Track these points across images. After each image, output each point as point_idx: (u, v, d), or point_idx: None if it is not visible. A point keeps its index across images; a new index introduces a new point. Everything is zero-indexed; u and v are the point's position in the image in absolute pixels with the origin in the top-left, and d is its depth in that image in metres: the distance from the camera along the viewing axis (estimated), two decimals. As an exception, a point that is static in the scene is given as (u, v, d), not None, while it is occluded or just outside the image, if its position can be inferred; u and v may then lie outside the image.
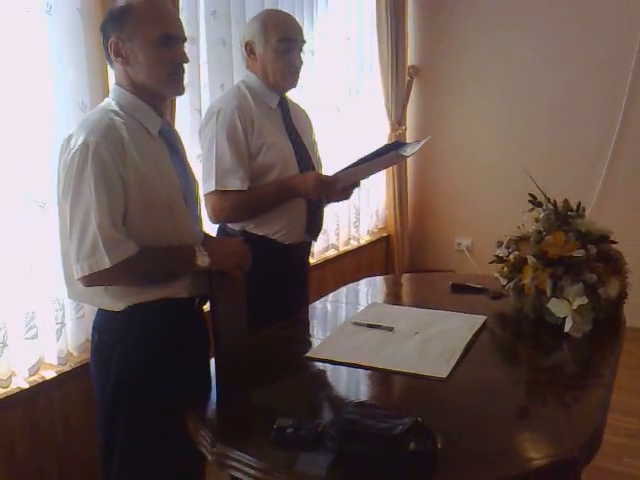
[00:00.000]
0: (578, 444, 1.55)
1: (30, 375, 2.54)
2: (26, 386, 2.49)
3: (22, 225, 2.49)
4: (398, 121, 5.37)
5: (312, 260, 4.35)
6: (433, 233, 5.78)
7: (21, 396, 2.47)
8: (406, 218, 5.63)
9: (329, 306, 2.74)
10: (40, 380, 2.55)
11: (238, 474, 1.53)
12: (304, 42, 2.62)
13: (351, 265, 4.90)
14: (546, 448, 1.58)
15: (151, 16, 1.86)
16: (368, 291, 3.03)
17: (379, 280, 3.26)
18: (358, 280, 3.08)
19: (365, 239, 5.31)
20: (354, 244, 5.11)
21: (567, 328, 2.20)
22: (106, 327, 1.94)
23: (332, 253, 4.76)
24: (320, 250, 4.59)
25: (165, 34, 1.86)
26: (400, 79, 5.32)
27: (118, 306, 1.88)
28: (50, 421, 2.58)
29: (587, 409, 1.81)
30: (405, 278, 3.67)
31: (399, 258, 5.58)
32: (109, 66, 1.99)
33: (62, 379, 2.61)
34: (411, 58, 5.58)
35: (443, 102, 5.61)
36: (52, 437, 2.59)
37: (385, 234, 5.57)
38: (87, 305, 2.65)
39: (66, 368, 2.64)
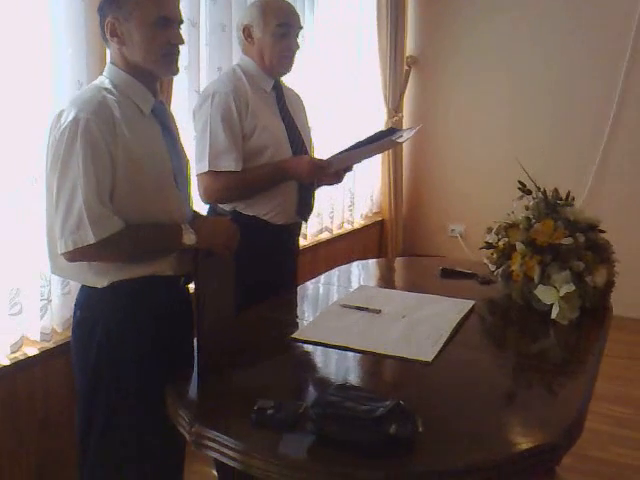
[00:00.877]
0: (560, 430, 1.56)
1: (12, 352, 2.50)
2: (7, 363, 2.46)
3: (9, 201, 2.46)
4: (395, 108, 5.35)
5: (305, 242, 4.36)
6: (427, 219, 5.78)
7: (1, 373, 2.42)
8: (400, 203, 5.62)
9: (320, 288, 2.75)
10: (22, 357, 2.51)
11: (216, 455, 1.53)
12: (301, 28, 2.64)
13: (344, 248, 4.88)
14: (528, 433, 1.59)
15: None
16: (360, 274, 3.03)
17: (371, 263, 3.27)
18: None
19: (359, 223, 5.29)
20: (348, 227, 5.09)
21: (554, 315, 2.21)
22: (89, 303, 1.93)
23: (325, 236, 4.74)
24: (313, 233, 4.58)
25: (162, 16, 1.86)
26: (398, 68, 5.31)
27: (101, 282, 1.87)
28: (30, 398, 2.54)
29: (570, 395, 1.81)
30: (397, 262, 3.67)
31: (392, 243, 5.58)
32: (105, 45, 1.98)
33: (44, 356, 2.57)
34: (410, 48, 5.58)
35: (440, 91, 5.59)
36: (32, 415, 2.55)
37: (379, 218, 5.56)
38: (73, 281, 2.63)
39: (49, 345, 2.61)
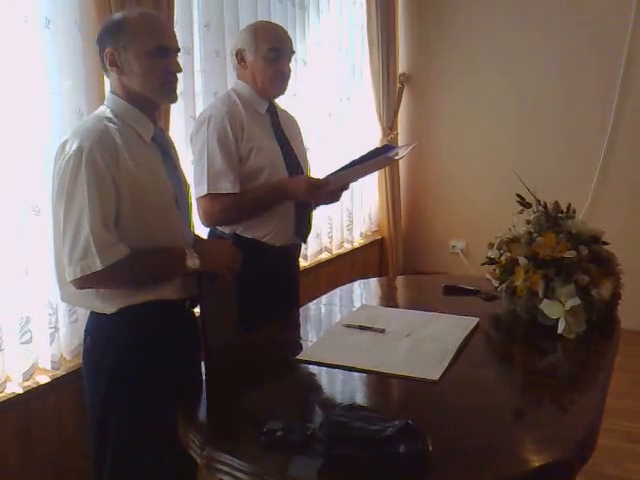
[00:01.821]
0: (572, 446, 1.54)
1: (24, 380, 2.53)
2: (20, 391, 2.49)
3: (17, 231, 2.50)
4: (390, 126, 5.38)
5: (306, 263, 4.36)
6: (427, 236, 5.78)
7: (15, 401, 2.46)
8: (399, 221, 5.64)
9: (322, 308, 2.73)
10: (34, 385, 2.54)
11: (227, 478, 1.51)
12: (293, 52, 2.68)
13: (345, 268, 4.89)
14: (540, 450, 1.56)
15: (145, 28, 1.91)
16: (362, 293, 3.01)
17: (373, 282, 3.25)
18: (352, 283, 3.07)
19: (358, 242, 5.31)
20: (347, 247, 5.11)
21: (560, 329, 2.19)
22: (97, 330, 1.95)
23: (325, 256, 4.75)
24: (313, 253, 4.58)
25: (159, 45, 1.91)
26: (391, 86, 5.35)
27: (109, 309, 1.90)
28: (43, 426, 2.57)
29: (581, 411, 1.79)
30: (399, 280, 3.66)
31: (393, 261, 5.58)
32: (105, 75, 2.02)
33: (55, 384, 2.60)
34: (402, 66, 5.62)
35: (434, 107, 5.62)
36: (46, 442, 2.58)
37: (379, 237, 5.57)
38: (80, 309, 2.66)
39: (60, 373, 2.64)
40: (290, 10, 4.18)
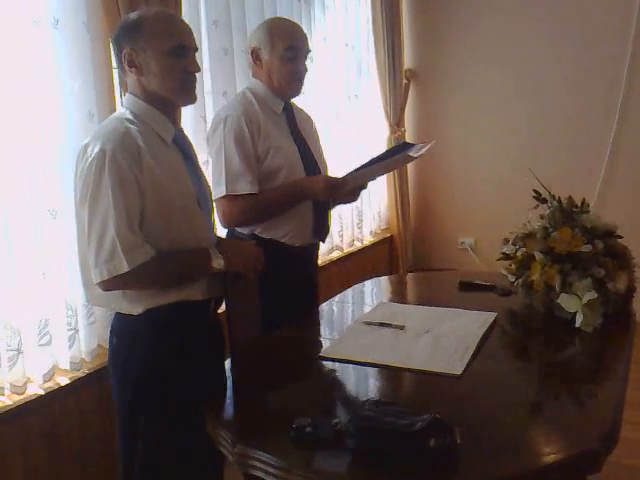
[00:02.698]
0: (597, 436, 1.56)
1: (45, 381, 2.55)
2: (42, 392, 2.51)
3: (35, 234, 2.51)
4: (397, 123, 5.39)
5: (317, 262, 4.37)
6: (436, 233, 5.79)
7: (37, 402, 2.48)
8: (408, 218, 5.65)
9: (335, 307, 2.76)
10: (55, 386, 2.56)
11: (259, 473, 1.54)
12: (309, 51, 2.66)
13: (356, 266, 4.91)
14: (566, 441, 1.58)
15: (164, 27, 1.90)
16: (373, 291, 3.03)
17: (384, 280, 3.28)
18: (363, 281, 3.09)
19: (369, 240, 5.32)
20: (358, 245, 5.12)
21: (578, 323, 2.22)
22: (124, 330, 1.96)
23: (336, 255, 4.77)
24: (324, 252, 4.59)
25: (178, 44, 1.90)
26: (397, 82, 5.36)
27: (136, 309, 1.91)
28: (66, 427, 2.59)
29: (603, 402, 1.80)
30: (410, 277, 3.67)
31: (403, 258, 5.60)
32: (122, 76, 2.02)
33: (76, 385, 2.62)
34: (408, 61, 5.62)
35: (441, 103, 5.62)
36: (69, 443, 2.60)
37: (388, 234, 5.58)
38: (98, 311, 2.68)
39: (80, 374, 2.65)
40: (296, 5, 4.16)
